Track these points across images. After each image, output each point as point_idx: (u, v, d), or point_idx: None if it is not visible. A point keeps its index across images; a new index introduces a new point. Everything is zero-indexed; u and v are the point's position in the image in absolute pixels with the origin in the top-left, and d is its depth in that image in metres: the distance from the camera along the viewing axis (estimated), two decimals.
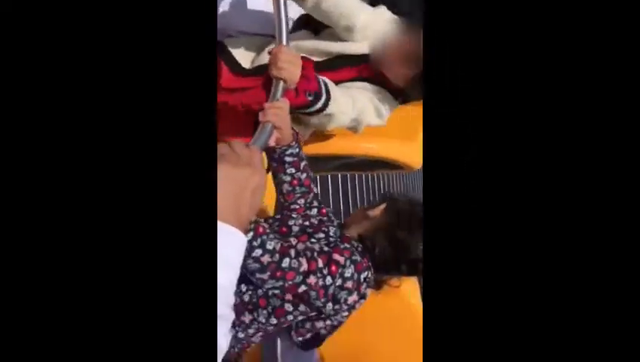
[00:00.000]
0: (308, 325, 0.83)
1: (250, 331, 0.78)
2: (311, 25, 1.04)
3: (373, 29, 0.91)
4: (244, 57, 1.06)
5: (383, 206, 0.87)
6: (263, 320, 0.77)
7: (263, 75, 1.01)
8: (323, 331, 0.85)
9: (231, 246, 0.46)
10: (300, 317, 0.78)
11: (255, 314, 0.76)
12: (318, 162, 1.49)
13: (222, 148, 0.52)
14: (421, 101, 1.08)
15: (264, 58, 1.03)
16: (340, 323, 0.85)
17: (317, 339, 0.86)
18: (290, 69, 0.76)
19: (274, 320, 0.77)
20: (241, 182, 0.49)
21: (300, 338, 0.85)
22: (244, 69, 1.03)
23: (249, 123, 1.08)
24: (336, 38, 0.95)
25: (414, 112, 1.31)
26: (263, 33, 1.08)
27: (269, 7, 1.06)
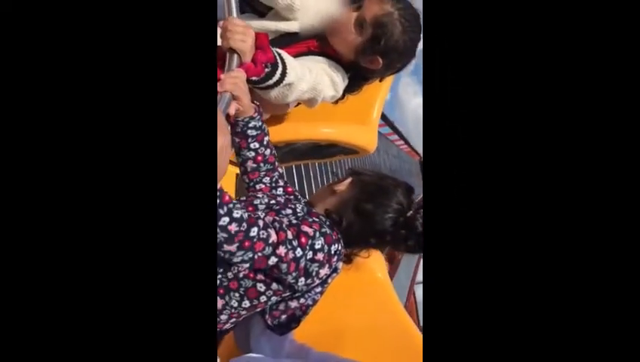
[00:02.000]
0: (282, 306, 0.81)
1: (223, 317, 0.76)
2: (256, 9, 1.05)
3: (311, 4, 0.95)
4: None
5: (348, 180, 0.87)
6: (236, 304, 0.74)
7: None
8: (298, 312, 0.83)
9: None
10: (273, 298, 0.76)
11: (227, 299, 0.73)
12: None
13: None
14: (374, 81, 1.13)
15: None
16: (315, 301, 0.84)
17: (292, 321, 0.85)
18: (242, 39, 0.75)
19: (247, 303, 0.74)
20: None
21: (275, 321, 0.84)
22: None
23: None
24: (281, 17, 0.98)
25: (367, 96, 1.34)
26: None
27: None
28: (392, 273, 1.36)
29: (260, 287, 0.74)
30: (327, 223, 0.78)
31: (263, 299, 0.75)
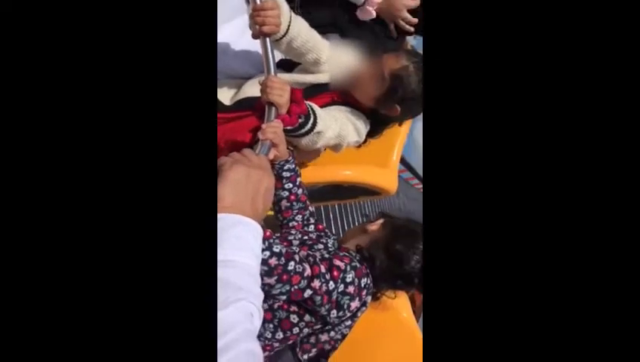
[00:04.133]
0: (312, 339, 0.84)
1: None
2: (285, 66, 1.17)
3: (336, 59, 1.06)
4: (224, 96, 1.16)
5: (380, 221, 0.92)
6: (269, 336, 0.78)
7: (242, 109, 1.12)
8: (327, 346, 0.86)
9: (252, 235, 0.49)
10: (305, 330, 0.80)
11: (261, 330, 0.77)
12: None
13: (234, 155, 0.57)
14: (394, 126, 1.21)
15: (242, 94, 1.13)
16: (343, 336, 0.87)
17: (321, 356, 0.87)
18: (279, 94, 0.84)
19: (280, 335, 0.78)
20: (256, 183, 0.54)
21: (305, 356, 0.86)
22: (225, 105, 1.14)
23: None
24: (308, 72, 1.08)
25: (388, 140, 1.41)
26: (246, 75, 1.19)
27: (250, 50, 1.19)
28: (417, 314, 1.38)
29: (294, 319, 0.77)
30: (357, 258, 0.82)
31: (296, 330, 0.78)
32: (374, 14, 1.18)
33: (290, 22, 0.92)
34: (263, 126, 0.81)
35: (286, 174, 0.90)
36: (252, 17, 0.88)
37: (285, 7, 0.91)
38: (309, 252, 0.78)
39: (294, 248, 0.78)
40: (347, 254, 0.81)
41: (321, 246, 0.85)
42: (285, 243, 0.85)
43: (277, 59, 1.01)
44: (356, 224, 2.59)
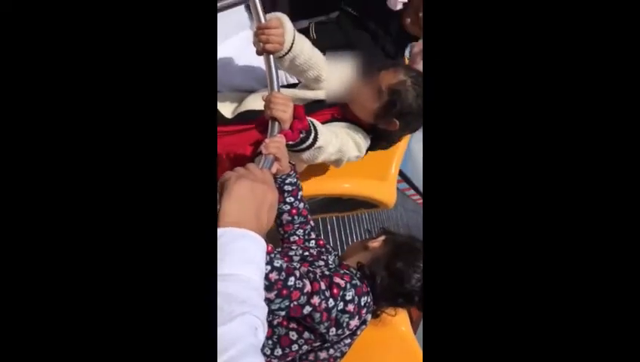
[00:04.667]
0: (311, 356, 0.84)
1: None
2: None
3: (336, 76, 1.09)
4: (226, 109, 1.18)
5: (382, 238, 0.93)
6: (269, 352, 0.78)
7: (244, 122, 1.13)
8: None
9: (256, 249, 0.50)
10: (304, 347, 0.80)
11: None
12: None
13: (239, 170, 0.58)
14: (394, 143, 1.22)
15: (244, 107, 1.15)
16: (343, 353, 0.87)
17: None
18: (283, 110, 0.85)
19: (279, 351, 0.78)
20: (260, 197, 0.55)
21: None
22: (226, 118, 1.15)
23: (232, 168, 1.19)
24: (309, 88, 1.11)
25: (386, 153, 1.42)
26: (249, 88, 1.21)
27: (254, 64, 1.20)
28: (414, 328, 1.38)
29: (293, 335, 0.77)
30: (358, 276, 0.82)
31: (295, 347, 0.78)
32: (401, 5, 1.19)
33: (293, 40, 0.93)
34: (266, 140, 0.82)
35: (288, 188, 0.91)
36: (256, 35, 0.89)
37: (289, 25, 0.92)
38: (310, 268, 0.78)
39: (295, 264, 0.78)
40: (348, 272, 0.81)
41: (321, 262, 0.85)
42: (286, 259, 0.86)
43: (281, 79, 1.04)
44: (354, 236, 2.59)
